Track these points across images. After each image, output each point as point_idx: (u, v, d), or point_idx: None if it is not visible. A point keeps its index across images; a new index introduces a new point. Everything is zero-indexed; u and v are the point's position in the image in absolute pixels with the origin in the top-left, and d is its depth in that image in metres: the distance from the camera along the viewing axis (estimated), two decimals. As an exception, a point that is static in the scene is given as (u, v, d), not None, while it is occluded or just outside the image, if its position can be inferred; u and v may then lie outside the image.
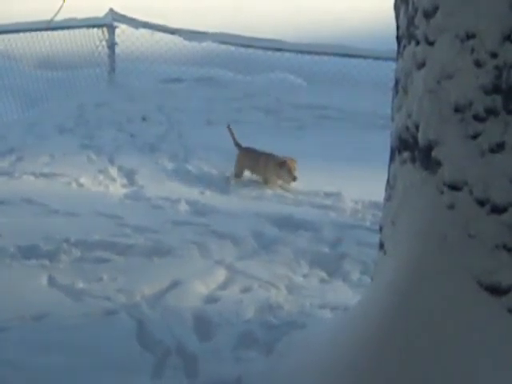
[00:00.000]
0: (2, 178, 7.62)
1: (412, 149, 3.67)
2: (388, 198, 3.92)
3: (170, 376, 4.22)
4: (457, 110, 3.44)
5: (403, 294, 3.57)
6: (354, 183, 7.44)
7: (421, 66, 3.58)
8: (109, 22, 11.87)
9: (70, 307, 4.94)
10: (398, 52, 3.85)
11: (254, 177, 7.87)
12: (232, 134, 8.06)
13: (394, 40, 3.93)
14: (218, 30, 11.77)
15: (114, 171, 7.96)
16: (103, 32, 11.86)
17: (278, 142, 8.09)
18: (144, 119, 10.17)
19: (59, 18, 6.36)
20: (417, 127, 3.61)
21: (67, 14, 7.50)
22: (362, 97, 10.70)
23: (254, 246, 6.10)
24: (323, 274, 5.64)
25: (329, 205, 7.12)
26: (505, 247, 3.39)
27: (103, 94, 11.38)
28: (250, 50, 11.77)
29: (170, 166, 8.25)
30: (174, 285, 5.27)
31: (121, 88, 11.68)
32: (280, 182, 7.63)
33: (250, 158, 7.86)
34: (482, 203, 3.41)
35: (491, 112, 3.36)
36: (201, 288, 5.26)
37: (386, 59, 10.02)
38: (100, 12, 11.86)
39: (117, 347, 4.44)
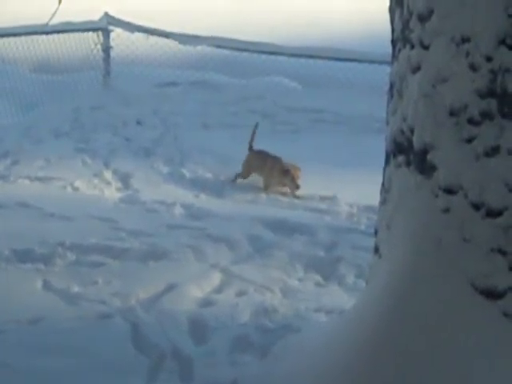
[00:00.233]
0: (-3, 182, 7.61)
1: (407, 152, 3.67)
2: (383, 202, 3.92)
3: (165, 379, 4.22)
4: (452, 113, 3.44)
5: (398, 297, 3.57)
6: (349, 187, 7.43)
7: (416, 69, 3.58)
8: (104, 26, 11.83)
9: (66, 311, 4.93)
10: (393, 55, 3.85)
11: (251, 181, 7.85)
12: (253, 134, 8.03)
13: (390, 43, 3.93)
14: (214, 34, 11.75)
15: (109, 175, 7.94)
16: (98, 36, 11.82)
17: (273, 145, 8.05)
18: (139, 123, 10.13)
19: (54, 21, 6.36)
20: (412, 131, 3.61)
21: (62, 17, 7.49)
22: (357, 100, 10.67)
23: (249, 249, 6.09)
24: (318, 278, 5.63)
25: (324, 208, 7.11)
26: (500, 251, 3.39)
27: (98, 97, 11.34)
28: (245, 54, 11.74)
29: (165, 169, 8.22)
30: (170, 288, 5.26)
31: (116, 92, 11.65)
32: (285, 189, 7.62)
33: (259, 158, 7.86)
34: (477, 207, 3.41)
35: (486, 116, 3.37)
36: (196, 292, 5.25)
37: (382, 63, 9.99)
38: (95, 16, 11.84)
39: (112, 351, 4.44)
